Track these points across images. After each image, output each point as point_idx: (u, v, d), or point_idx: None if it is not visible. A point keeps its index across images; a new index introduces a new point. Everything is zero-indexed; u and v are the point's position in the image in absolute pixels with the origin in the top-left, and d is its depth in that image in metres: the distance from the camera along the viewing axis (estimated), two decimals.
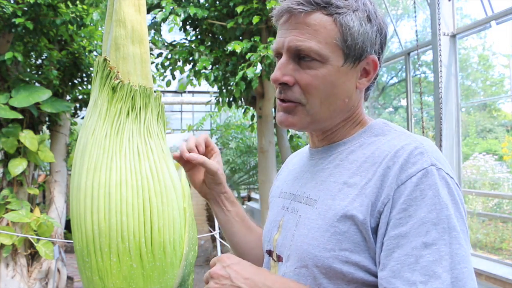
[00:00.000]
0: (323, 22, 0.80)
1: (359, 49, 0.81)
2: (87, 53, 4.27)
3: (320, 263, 0.76)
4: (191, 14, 3.61)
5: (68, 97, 4.51)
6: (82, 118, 2.53)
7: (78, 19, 3.66)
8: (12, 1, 3.47)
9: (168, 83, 4.22)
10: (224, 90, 4.16)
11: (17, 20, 3.26)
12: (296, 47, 0.80)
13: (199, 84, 4.45)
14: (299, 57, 0.81)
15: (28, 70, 4.09)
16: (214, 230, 3.85)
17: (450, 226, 0.70)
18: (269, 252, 0.93)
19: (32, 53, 4.08)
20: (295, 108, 0.83)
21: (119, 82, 1.59)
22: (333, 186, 0.81)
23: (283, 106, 0.85)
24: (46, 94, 3.60)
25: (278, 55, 0.86)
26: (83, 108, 4.60)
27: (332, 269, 0.75)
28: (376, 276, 0.74)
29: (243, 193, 8.30)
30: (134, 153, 1.59)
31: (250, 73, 3.29)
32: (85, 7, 3.81)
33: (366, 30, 0.81)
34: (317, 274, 0.77)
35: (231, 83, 3.86)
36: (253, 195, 8.39)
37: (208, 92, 8.25)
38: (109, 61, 1.61)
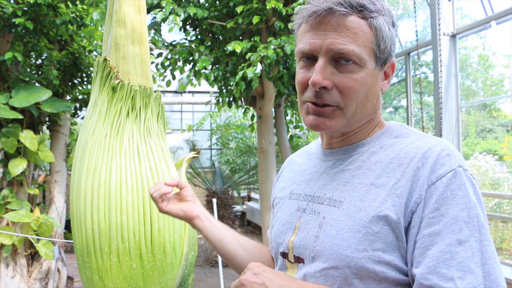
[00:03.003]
0: (360, 25, 0.81)
1: (387, 53, 0.85)
2: (87, 53, 4.27)
3: (353, 263, 0.78)
4: (191, 14, 3.61)
5: (68, 97, 4.51)
6: (82, 118, 2.53)
7: (78, 19, 3.66)
8: (12, 1, 3.47)
9: (168, 83, 4.22)
10: (224, 90, 4.16)
11: (17, 20, 3.26)
12: (338, 50, 0.81)
13: (199, 84, 4.45)
14: (336, 60, 0.82)
15: (28, 70, 4.09)
16: None
17: (480, 224, 0.73)
18: (284, 254, 0.93)
19: (32, 53, 4.08)
20: (333, 112, 0.84)
21: (119, 82, 1.59)
22: (359, 187, 0.83)
23: (318, 110, 0.84)
24: (46, 94, 3.60)
25: (310, 56, 0.85)
26: (83, 108, 4.59)
27: (365, 269, 0.77)
28: (406, 275, 0.76)
29: (243, 193, 8.29)
30: (134, 153, 1.59)
31: (250, 73, 3.29)
32: (85, 7, 3.81)
33: (392, 34, 0.85)
34: (349, 274, 0.78)
35: (231, 83, 3.86)
36: (253, 195, 8.38)
37: (208, 92, 8.24)
38: (109, 61, 1.61)
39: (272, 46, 3.39)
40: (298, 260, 0.88)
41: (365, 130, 0.89)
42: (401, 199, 0.76)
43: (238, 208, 8.12)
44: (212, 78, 3.86)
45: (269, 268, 0.79)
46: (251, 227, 7.96)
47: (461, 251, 0.71)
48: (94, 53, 4.34)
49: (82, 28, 3.97)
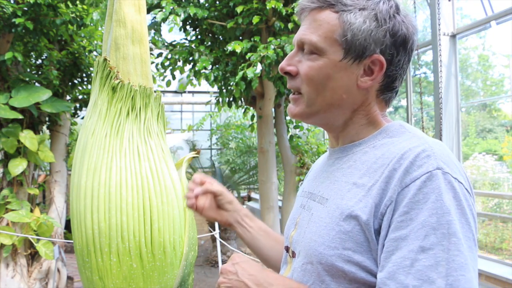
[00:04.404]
0: (328, 18, 0.84)
1: (359, 45, 0.82)
2: (87, 53, 4.27)
3: (324, 260, 0.78)
4: (191, 14, 3.61)
5: (68, 97, 4.51)
6: (82, 118, 2.54)
7: (78, 19, 3.66)
8: (12, 1, 3.47)
9: (168, 83, 4.22)
10: (224, 90, 4.16)
11: (17, 20, 3.26)
12: (299, 39, 0.87)
13: (199, 84, 4.46)
14: (303, 50, 0.87)
15: (28, 70, 4.09)
16: (214, 230, 3.85)
17: (450, 232, 0.68)
18: (287, 248, 0.97)
19: (32, 53, 4.08)
20: (298, 99, 0.89)
21: (119, 82, 1.59)
22: (343, 186, 0.83)
23: (291, 98, 0.91)
24: (46, 94, 3.60)
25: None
26: (83, 108, 4.59)
27: (335, 267, 0.77)
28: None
29: (243, 193, 8.30)
30: (134, 153, 1.59)
31: (250, 73, 3.29)
32: (85, 7, 3.81)
33: (369, 28, 0.82)
34: (321, 271, 0.79)
35: (231, 83, 3.86)
36: (253, 195, 8.39)
37: (208, 92, 8.24)
38: (109, 61, 1.61)
39: (272, 46, 3.39)
40: (293, 254, 0.91)
41: (353, 128, 0.88)
42: (373, 201, 0.75)
43: None
44: (212, 78, 3.86)
45: (248, 259, 0.84)
46: None
47: (422, 259, 0.68)
48: (94, 53, 4.34)
49: (82, 28, 3.97)
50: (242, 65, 3.45)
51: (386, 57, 0.83)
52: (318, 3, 0.85)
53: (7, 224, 3.63)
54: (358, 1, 0.83)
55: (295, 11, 0.95)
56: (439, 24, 4.29)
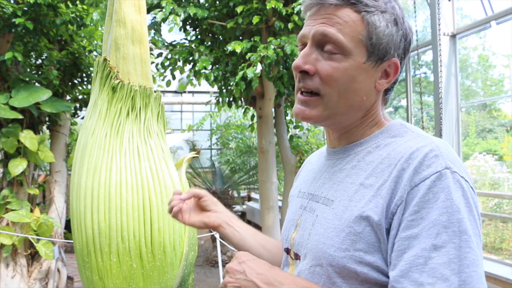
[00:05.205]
0: (351, 17, 0.82)
1: (382, 49, 0.83)
2: (87, 53, 4.27)
3: (335, 262, 0.78)
4: (191, 14, 3.61)
5: (68, 97, 4.51)
6: (82, 118, 2.53)
7: (78, 19, 3.66)
8: (12, 1, 3.47)
9: (168, 83, 4.22)
10: (224, 90, 4.16)
11: (17, 20, 3.26)
12: (323, 32, 0.82)
13: (199, 84, 4.46)
14: (323, 47, 0.83)
15: (28, 70, 4.09)
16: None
17: (461, 230, 0.70)
18: (287, 250, 0.96)
19: (32, 53, 4.08)
20: (313, 101, 0.85)
21: (119, 82, 1.59)
22: (349, 187, 0.83)
23: (302, 99, 0.86)
24: (46, 94, 3.60)
25: (303, 45, 0.87)
26: (83, 108, 4.60)
27: (346, 269, 0.77)
28: (388, 277, 0.75)
29: (243, 193, 8.30)
30: (134, 153, 1.59)
31: (250, 73, 3.29)
32: (85, 7, 3.81)
33: (391, 32, 0.83)
34: (332, 273, 0.79)
35: (231, 83, 3.86)
36: (253, 195, 8.39)
37: (208, 92, 8.25)
38: (109, 61, 1.61)
39: (272, 46, 3.39)
40: (296, 256, 0.90)
41: (361, 129, 0.89)
42: (384, 201, 0.75)
43: (238, 208, 8.12)
44: (212, 78, 3.86)
45: (254, 258, 0.82)
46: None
47: (435, 256, 0.69)
48: (94, 53, 4.35)
49: (82, 28, 3.97)
50: (242, 65, 3.45)
51: (399, 60, 0.86)
52: (339, 1, 0.82)
53: (7, 224, 3.63)
54: (378, 3, 0.83)
55: (303, 3, 0.86)
56: (439, 24, 4.29)
